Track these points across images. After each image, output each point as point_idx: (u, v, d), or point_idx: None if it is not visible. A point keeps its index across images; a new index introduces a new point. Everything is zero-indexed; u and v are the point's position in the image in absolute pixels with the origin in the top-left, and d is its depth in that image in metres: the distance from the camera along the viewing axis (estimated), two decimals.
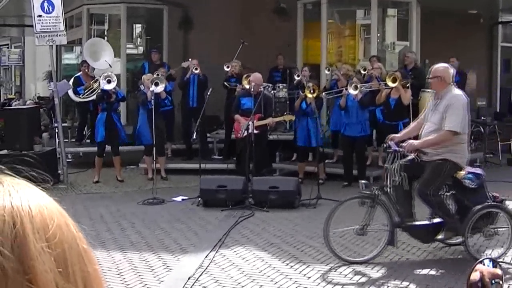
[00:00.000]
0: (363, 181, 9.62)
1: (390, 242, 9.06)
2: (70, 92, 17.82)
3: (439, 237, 9.15)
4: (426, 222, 9.28)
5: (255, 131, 13.67)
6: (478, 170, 9.21)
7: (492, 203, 8.98)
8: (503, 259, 8.88)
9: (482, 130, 19.07)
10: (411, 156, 9.12)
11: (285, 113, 16.05)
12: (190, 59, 17.36)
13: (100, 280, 1.11)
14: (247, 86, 14.90)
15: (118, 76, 19.13)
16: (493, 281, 2.76)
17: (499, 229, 9.08)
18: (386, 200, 9.14)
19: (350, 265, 8.89)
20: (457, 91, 9.14)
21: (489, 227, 8.96)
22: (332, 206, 9.53)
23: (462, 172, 8.93)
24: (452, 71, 9.27)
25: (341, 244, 9.62)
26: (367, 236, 9.47)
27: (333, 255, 9.06)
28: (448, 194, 9.09)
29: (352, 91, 14.44)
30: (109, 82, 15.29)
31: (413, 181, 9.24)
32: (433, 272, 8.62)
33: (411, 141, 9.15)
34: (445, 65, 9.56)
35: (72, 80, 18.24)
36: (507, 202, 11.99)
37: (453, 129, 8.80)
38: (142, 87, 16.53)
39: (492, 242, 9.33)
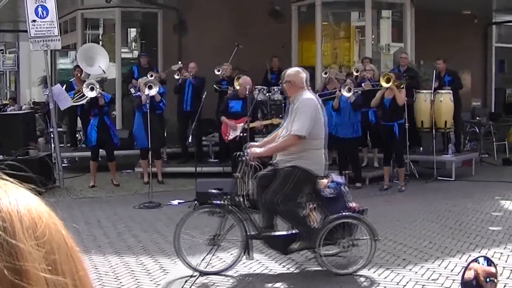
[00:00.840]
0: (213, 191, 9.04)
1: (245, 253, 8.68)
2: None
3: (293, 247, 8.66)
4: (284, 232, 8.87)
5: (244, 134, 13.65)
6: (339, 179, 8.90)
7: (347, 213, 8.54)
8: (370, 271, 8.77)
9: (478, 130, 19.13)
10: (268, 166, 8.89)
11: (277, 116, 16.06)
12: (179, 62, 17.38)
13: (89, 279, 1.12)
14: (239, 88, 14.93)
15: (113, 80, 19.17)
16: (487, 279, 2.77)
17: (358, 240, 8.65)
18: (239, 210, 8.81)
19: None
20: (307, 95, 8.74)
21: (347, 238, 8.55)
22: (183, 215, 9.22)
23: (325, 181, 8.64)
24: (304, 75, 8.87)
25: (194, 254, 9.22)
26: (224, 246, 9.20)
27: (184, 265, 8.73)
28: (314, 205, 8.71)
29: (345, 93, 14.46)
30: (92, 89, 15.27)
31: None
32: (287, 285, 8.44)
33: (253, 148, 8.83)
34: (297, 69, 9.28)
35: (64, 86, 18.21)
36: (508, 203, 12.07)
37: (297, 133, 8.44)
38: (132, 90, 16.54)
39: (352, 254, 8.84)
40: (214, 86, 16.89)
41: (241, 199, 8.93)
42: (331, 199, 8.59)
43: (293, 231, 8.72)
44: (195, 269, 8.74)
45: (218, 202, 8.78)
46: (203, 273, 8.72)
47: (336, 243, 8.62)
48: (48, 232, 1.05)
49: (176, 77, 16.87)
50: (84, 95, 16.29)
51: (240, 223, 8.73)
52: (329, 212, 8.52)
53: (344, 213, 8.53)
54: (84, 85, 15.51)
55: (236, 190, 9.01)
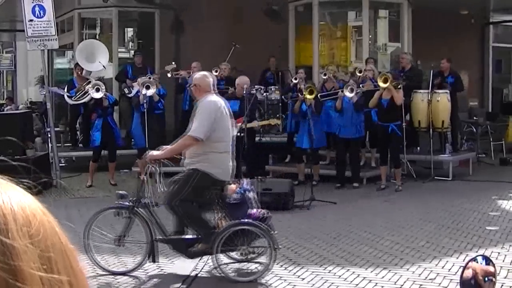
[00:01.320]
0: (120, 192, 9.03)
1: (150, 256, 8.62)
2: (65, 96, 17.78)
3: (193, 250, 8.60)
4: (189, 236, 8.80)
5: (242, 134, 13.66)
6: (247, 185, 8.81)
7: (245, 220, 8.39)
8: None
9: (475, 130, 19.16)
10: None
11: (271, 116, 16.07)
12: (173, 62, 17.39)
13: (84, 277, 1.11)
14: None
15: (110, 80, 19.13)
16: (486, 279, 2.76)
17: (257, 248, 8.57)
18: (145, 213, 8.78)
19: (344, 266, 8.87)
20: (210, 98, 8.75)
21: (246, 246, 8.44)
22: (91, 216, 9.13)
23: (233, 186, 8.62)
24: (210, 79, 8.94)
25: (103, 255, 9.21)
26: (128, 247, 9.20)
27: (92, 262, 8.67)
28: (223, 213, 8.68)
29: (348, 94, 14.46)
30: (97, 90, 15.26)
31: None
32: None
33: (151, 151, 8.91)
34: (204, 73, 9.32)
35: (67, 84, 18.20)
36: (509, 205, 12.08)
37: (193, 134, 8.49)
38: (126, 90, 16.54)
39: (252, 262, 8.79)
40: None
41: (148, 202, 8.87)
42: (234, 205, 8.54)
43: (196, 235, 8.67)
44: (102, 268, 8.78)
45: (124, 204, 8.74)
46: (110, 272, 8.78)
47: (235, 249, 8.54)
48: (43, 230, 1.04)
49: (169, 75, 16.85)
50: (86, 93, 16.29)
51: (146, 226, 8.69)
52: (232, 218, 8.48)
53: (242, 220, 8.42)
54: (90, 86, 15.47)
55: (143, 193, 8.92)
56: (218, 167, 8.57)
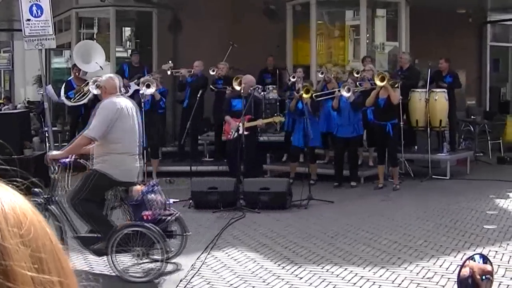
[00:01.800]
0: (34, 189, 8.63)
1: None
2: (63, 97, 17.76)
3: (93, 247, 8.60)
4: (91, 234, 8.78)
5: (245, 132, 13.68)
6: (149, 186, 8.83)
7: (138, 223, 8.42)
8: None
9: (472, 129, 19.19)
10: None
11: (275, 114, 16.05)
12: (169, 61, 17.38)
13: (74, 277, 1.11)
14: (238, 88, 14.91)
15: None
16: (483, 277, 2.77)
17: (151, 250, 8.56)
18: (57, 210, 8.78)
19: (342, 265, 8.88)
20: (112, 99, 8.74)
21: (142, 247, 8.43)
22: None
23: (138, 187, 8.65)
24: (117, 81, 8.98)
25: None
26: None
27: None
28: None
29: (345, 93, 14.46)
30: (98, 87, 15.24)
31: None
32: None
33: (50, 151, 9.00)
34: (110, 75, 9.47)
35: (63, 85, 18.17)
36: (507, 204, 12.09)
37: (87, 134, 8.52)
38: (122, 89, 16.49)
39: (147, 263, 8.83)
40: (211, 87, 16.87)
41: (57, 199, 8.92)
42: (135, 206, 8.60)
43: (97, 234, 8.67)
44: None
45: (37, 201, 8.64)
46: None
47: (129, 251, 8.55)
48: (33, 230, 1.04)
49: (168, 73, 16.84)
50: (85, 94, 16.29)
51: (56, 223, 8.66)
52: (135, 219, 8.55)
53: (134, 222, 8.50)
54: (91, 82, 15.44)
55: (55, 190, 8.99)
56: (116, 168, 8.62)
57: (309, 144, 14.31)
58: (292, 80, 17.17)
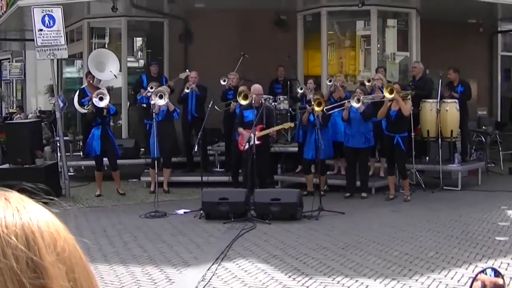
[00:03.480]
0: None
1: None
2: (76, 105, 17.83)
3: None
4: None
5: (257, 142, 13.71)
6: None
7: None
8: None
9: (484, 139, 19.12)
10: None
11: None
12: (187, 70, 17.42)
13: None
14: (242, 102, 14.94)
15: (119, 89, 19.20)
16: None
17: None
18: None
19: (352, 277, 8.86)
20: None
21: None
22: None
23: None
24: None
25: None
26: None
27: None
28: None
29: (354, 104, 14.45)
30: (101, 99, 15.29)
31: None
32: None
33: None
34: None
35: (77, 92, 18.25)
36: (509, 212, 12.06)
37: None
38: (139, 98, 16.63)
39: None
40: (223, 103, 16.80)
41: None
42: None
43: None
44: None
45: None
46: None
47: None
48: (68, 248, 1.06)
49: (187, 90, 16.84)
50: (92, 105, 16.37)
51: None
52: None
53: None
54: (94, 95, 15.48)
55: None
56: None
57: (320, 155, 14.31)
58: (300, 91, 17.19)
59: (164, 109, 15.18)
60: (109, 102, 15.54)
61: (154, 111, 14.65)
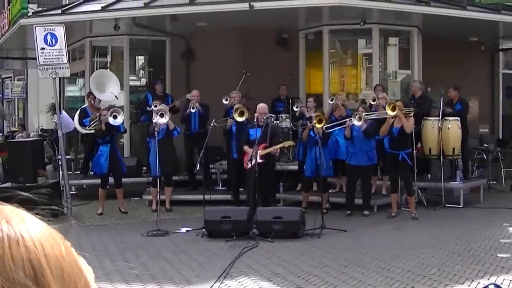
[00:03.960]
0: None
1: None
2: (77, 124, 17.88)
3: None
4: None
5: (260, 161, 13.74)
6: None
7: None
8: None
9: (485, 157, 19.11)
10: None
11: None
12: (193, 91, 17.49)
13: None
14: (238, 119, 15.03)
15: (121, 107, 19.22)
16: None
17: None
18: None
19: None
20: None
21: None
22: None
23: None
24: None
25: None
26: None
27: None
28: None
29: (356, 122, 14.47)
30: (115, 117, 15.36)
31: None
32: None
33: None
34: None
35: (78, 112, 18.31)
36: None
37: None
38: (143, 118, 16.68)
39: None
40: (221, 119, 16.84)
41: None
42: None
43: None
44: None
45: None
46: None
47: None
48: (69, 266, 1.06)
49: (192, 110, 16.87)
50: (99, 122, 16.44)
51: None
52: None
53: None
54: (108, 113, 15.52)
55: None
56: None
57: (321, 173, 14.31)
58: (296, 110, 17.24)
59: (164, 127, 15.20)
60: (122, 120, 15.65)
61: (155, 129, 14.70)
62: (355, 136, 14.79)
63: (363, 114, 14.68)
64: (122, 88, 19.90)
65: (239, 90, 17.47)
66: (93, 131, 16.91)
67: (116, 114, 15.40)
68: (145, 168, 17.89)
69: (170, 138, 15.79)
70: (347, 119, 14.98)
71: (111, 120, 15.37)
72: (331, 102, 16.73)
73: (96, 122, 16.25)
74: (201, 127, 16.76)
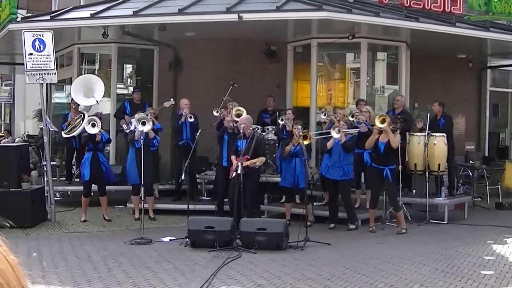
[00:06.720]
0: None
1: None
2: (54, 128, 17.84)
3: None
4: None
5: (240, 172, 13.77)
6: None
7: None
8: None
9: (471, 174, 19.15)
10: None
11: (271, 156, 16.17)
12: (171, 99, 17.45)
13: None
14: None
15: (107, 115, 19.18)
16: None
17: None
18: None
19: None
20: None
21: None
22: None
23: None
24: None
25: None
26: None
27: None
28: None
29: (335, 135, 14.50)
30: (93, 126, 15.32)
31: None
32: None
33: None
34: None
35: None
36: (505, 250, 12.04)
37: None
38: (124, 126, 16.60)
39: None
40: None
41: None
42: None
43: None
44: None
45: None
46: None
47: None
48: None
49: (190, 120, 16.79)
50: (74, 127, 16.36)
51: None
52: None
53: None
54: (85, 121, 15.49)
55: None
56: None
57: (299, 186, 14.37)
58: (281, 123, 17.20)
59: (143, 137, 14.98)
60: (101, 129, 15.55)
61: (134, 137, 14.70)
62: (333, 149, 14.80)
63: (343, 127, 14.72)
64: (109, 96, 19.87)
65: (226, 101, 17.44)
66: (69, 135, 16.91)
67: (94, 122, 15.37)
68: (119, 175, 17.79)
69: (150, 147, 15.69)
70: (330, 129, 15.03)
71: (88, 128, 15.34)
72: (324, 117, 16.71)
73: (71, 128, 16.22)
74: (193, 137, 16.72)
